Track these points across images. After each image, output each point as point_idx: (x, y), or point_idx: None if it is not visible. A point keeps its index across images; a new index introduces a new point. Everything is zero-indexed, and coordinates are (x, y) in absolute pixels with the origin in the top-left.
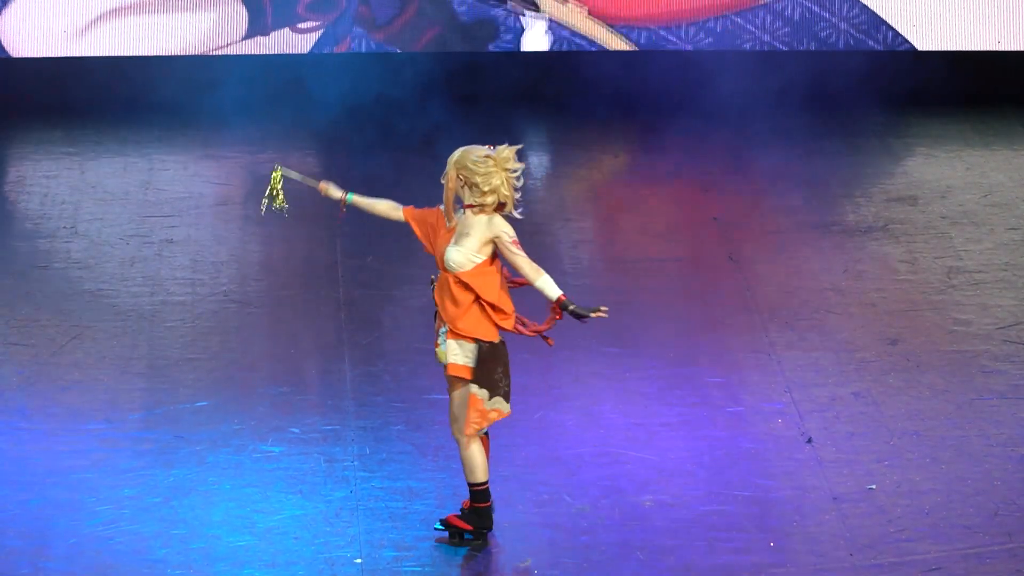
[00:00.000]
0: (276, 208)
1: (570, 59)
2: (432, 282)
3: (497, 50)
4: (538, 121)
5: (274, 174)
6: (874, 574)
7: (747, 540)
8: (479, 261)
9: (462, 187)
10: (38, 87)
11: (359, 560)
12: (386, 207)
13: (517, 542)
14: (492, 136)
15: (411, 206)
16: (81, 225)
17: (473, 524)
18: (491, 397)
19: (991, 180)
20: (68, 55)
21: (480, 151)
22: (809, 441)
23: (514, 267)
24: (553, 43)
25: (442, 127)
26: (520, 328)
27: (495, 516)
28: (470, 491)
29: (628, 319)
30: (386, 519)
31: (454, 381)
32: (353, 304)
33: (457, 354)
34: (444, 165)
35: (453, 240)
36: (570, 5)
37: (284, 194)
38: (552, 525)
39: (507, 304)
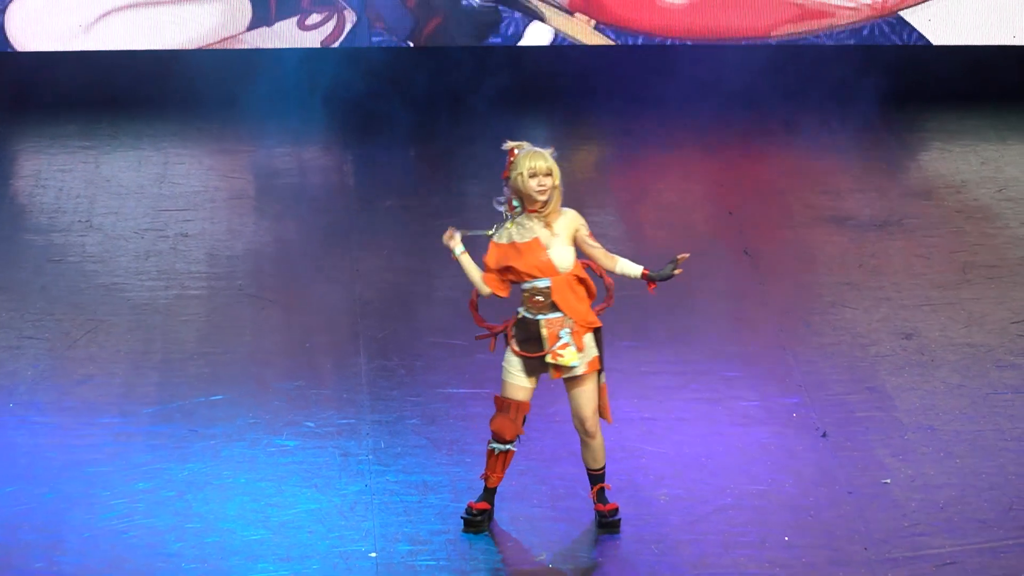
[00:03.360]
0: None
1: (576, 52)
2: (532, 297)
3: (500, 43)
4: (552, 115)
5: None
6: (888, 568)
7: (762, 534)
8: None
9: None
10: (53, 82)
11: (374, 554)
12: (477, 280)
13: (533, 536)
14: (493, 131)
15: (485, 272)
16: (96, 219)
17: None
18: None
19: (1006, 175)
20: (82, 49)
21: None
22: (824, 435)
23: (591, 258)
24: (555, 39)
25: (458, 122)
26: None
27: (513, 509)
28: (599, 476)
29: (643, 313)
30: (401, 513)
31: (582, 378)
32: (368, 298)
33: (594, 347)
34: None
35: (546, 244)
36: (576, 16)
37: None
38: (567, 519)
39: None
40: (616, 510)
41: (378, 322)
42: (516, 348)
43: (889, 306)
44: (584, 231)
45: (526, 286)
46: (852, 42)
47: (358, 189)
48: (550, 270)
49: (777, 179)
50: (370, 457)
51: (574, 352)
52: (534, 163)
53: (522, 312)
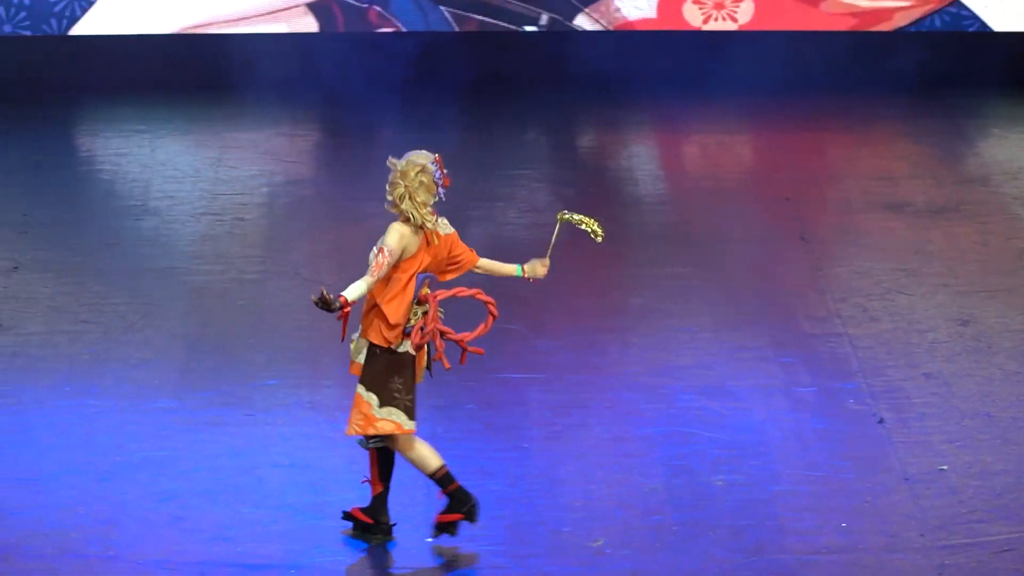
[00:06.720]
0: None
1: (636, 39)
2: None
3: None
4: (605, 101)
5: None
6: (945, 555)
7: (818, 521)
8: None
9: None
10: (108, 65)
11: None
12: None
13: (589, 521)
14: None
15: None
16: (151, 203)
17: (457, 508)
18: (381, 405)
19: None
20: (137, 33)
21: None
22: (880, 422)
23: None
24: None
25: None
26: (434, 338)
27: (572, 494)
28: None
29: (701, 298)
30: None
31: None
32: None
33: (359, 353)
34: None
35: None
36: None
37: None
38: (624, 504)
39: (396, 316)
40: (443, 527)
41: None
42: None
43: (946, 292)
44: (376, 246)
45: None
46: (909, 28)
47: None
48: None
49: (834, 165)
50: None
51: (354, 348)
52: None
53: None
